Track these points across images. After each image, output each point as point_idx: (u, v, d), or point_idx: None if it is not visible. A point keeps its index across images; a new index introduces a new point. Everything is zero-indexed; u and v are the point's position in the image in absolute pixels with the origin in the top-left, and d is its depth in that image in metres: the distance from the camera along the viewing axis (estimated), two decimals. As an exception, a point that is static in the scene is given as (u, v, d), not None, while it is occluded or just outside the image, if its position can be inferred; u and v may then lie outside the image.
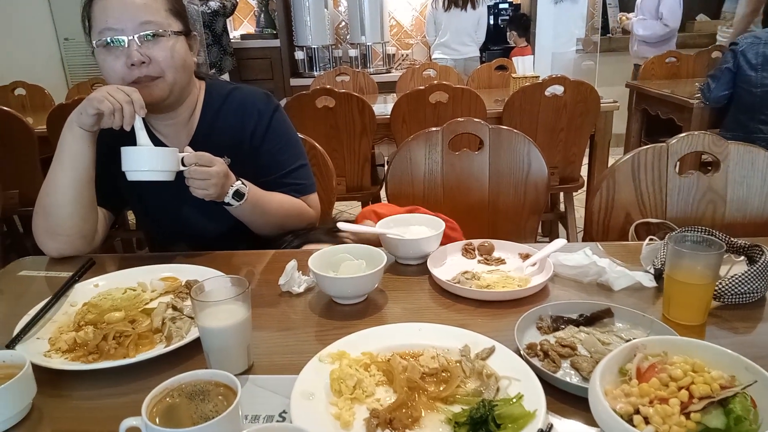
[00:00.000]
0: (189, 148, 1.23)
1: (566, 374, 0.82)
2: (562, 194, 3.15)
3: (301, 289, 1.08)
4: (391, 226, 1.24)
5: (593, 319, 0.94)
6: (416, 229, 1.23)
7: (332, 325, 0.98)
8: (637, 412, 0.65)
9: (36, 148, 2.70)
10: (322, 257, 1.08)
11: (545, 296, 1.05)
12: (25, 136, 2.70)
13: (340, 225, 1.13)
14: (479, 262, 1.18)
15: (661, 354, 0.73)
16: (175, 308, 1.01)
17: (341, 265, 1.06)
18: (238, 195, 1.29)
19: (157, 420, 0.68)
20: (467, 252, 1.21)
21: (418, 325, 0.91)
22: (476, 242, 1.23)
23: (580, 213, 3.36)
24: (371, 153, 3.03)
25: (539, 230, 3.45)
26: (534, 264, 1.12)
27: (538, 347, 0.86)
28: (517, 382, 0.77)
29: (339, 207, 4.06)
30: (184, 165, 1.20)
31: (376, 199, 3.37)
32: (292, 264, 1.08)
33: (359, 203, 3.28)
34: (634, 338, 0.87)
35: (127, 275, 1.13)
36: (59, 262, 1.28)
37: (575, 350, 0.86)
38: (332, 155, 2.86)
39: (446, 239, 1.26)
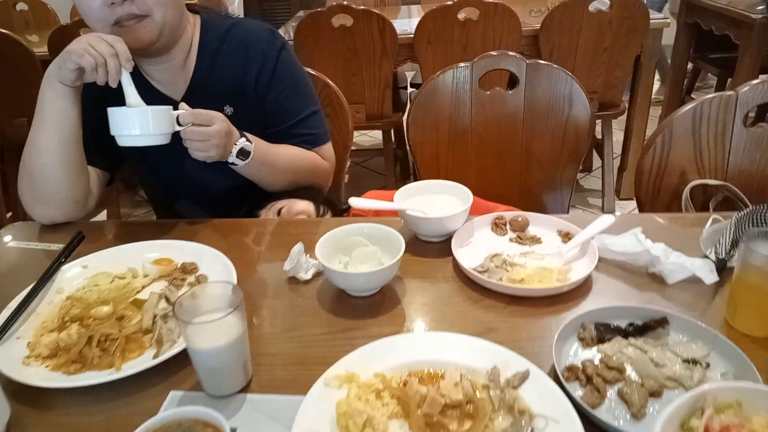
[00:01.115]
0: (185, 105, 1.07)
1: (612, 408, 0.70)
2: (599, 121, 2.91)
3: (309, 276, 0.96)
4: (411, 195, 1.10)
5: (645, 329, 0.80)
6: (440, 199, 1.08)
7: (342, 324, 0.86)
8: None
9: (39, 73, 2.55)
10: (332, 241, 0.95)
11: (587, 289, 0.91)
12: (27, 61, 2.54)
13: (352, 202, 0.99)
14: (511, 240, 1.04)
15: (735, 405, 0.60)
16: (168, 300, 0.90)
17: (353, 252, 0.93)
18: (243, 154, 1.15)
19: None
20: (497, 227, 1.07)
21: (440, 335, 0.79)
22: (508, 215, 1.08)
23: (617, 137, 3.13)
24: (393, 75, 2.80)
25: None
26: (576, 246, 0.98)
27: (580, 370, 0.74)
28: (555, 424, 0.66)
29: (358, 141, 3.86)
30: (179, 124, 1.05)
31: (399, 130, 3.18)
32: (298, 248, 0.95)
33: (379, 133, 3.09)
34: (692, 357, 0.75)
35: (117, 254, 1.02)
36: (51, 229, 1.17)
37: (623, 372, 0.74)
38: (350, 81, 2.69)
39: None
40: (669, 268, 0.90)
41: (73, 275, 0.98)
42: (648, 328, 0.80)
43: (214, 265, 0.98)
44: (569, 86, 1.51)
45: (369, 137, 4.08)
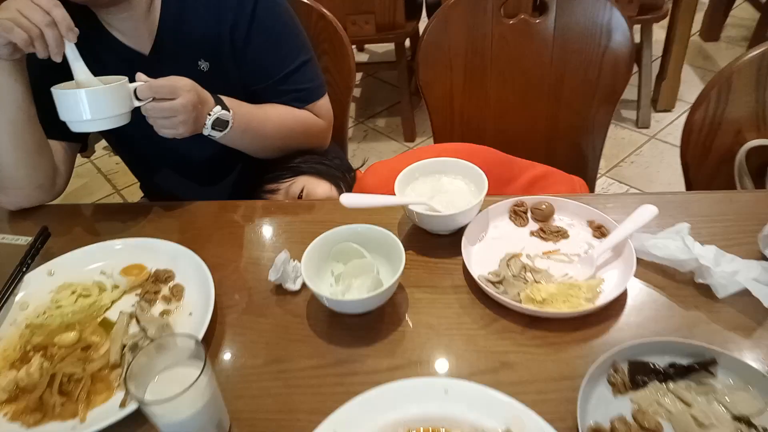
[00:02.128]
0: (142, 76, 0.91)
1: (645, 486, 0.59)
2: (638, 26, 2.59)
3: (298, 286, 0.84)
4: (416, 177, 0.94)
5: (689, 370, 0.68)
6: (450, 184, 0.93)
7: (334, 355, 0.75)
8: None
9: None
10: (321, 249, 0.81)
11: (621, 305, 0.77)
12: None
13: (344, 200, 0.84)
14: (533, 233, 0.89)
15: None
16: (138, 320, 0.80)
17: (347, 266, 0.80)
18: (220, 124, 0.99)
19: None
20: (517, 216, 0.92)
21: (442, 382, 0.67)
22: (529, 201, 0.92)
23: (658, 46, 2.81)
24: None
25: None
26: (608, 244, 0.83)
27: (608, 432, 0.63)
28: None
29: (370, 47, 3.54)
30: (138, 98, 0.90)
31: (414, 40, 2.89)
32: (282, 257, 0.82)
33: (392, 46, 2.81)
34: (744, 414, 0.63)
35: (85, 258, 0.91)
36: (20, 216, 1.06)
37: (660, 432, 0.62)
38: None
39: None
40: (720, 282, 0.76)
41: (38, 287, 0.87)
42: (692, 369, 0.67)
43: (190, 271, 0.86)
44: (608, 13, 1.27)
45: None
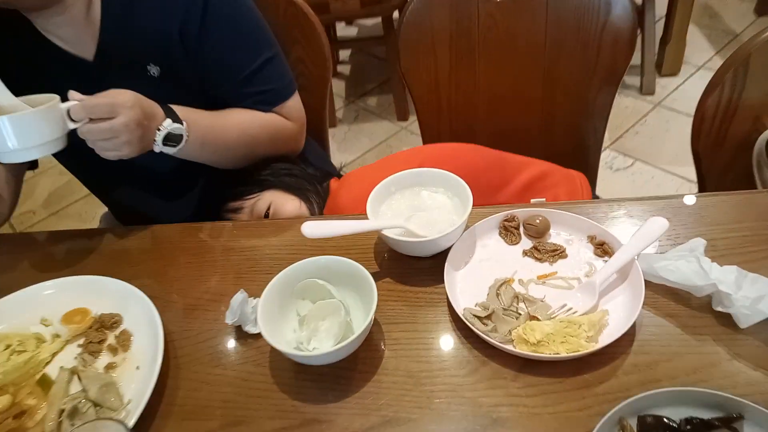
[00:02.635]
0: (76, 94, 0.80)
1: None
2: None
3: (257, 330, 0.74)
4: (392, 192, 0.83)
5: (709, 427, 0.58)
6: (429, 199, 0.82)
7: (302, 413, 0.65)
8: None
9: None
10: (282, 288, 0.71)
11: (629, 341, 0.67)
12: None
13: (306, 230, 0.73)
14: (526, 253, 0.78)
15: None
16: (79, 378, 0.71)
17: (313, 308, 0.70)
18: (173, 139, 0.88)
19: None
20: (508, 233, 0.81)
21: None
22: (521, 215, 0.81)
23: (661, 5, 2.64)
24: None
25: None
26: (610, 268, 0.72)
27: None
28: None
29: (348, 32, 3.35)
30: (73, 120, 0.79)
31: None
32: (239, 299, 0.72)
33: (378, 21, 2.66)
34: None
35: (23, 303, 0.80)
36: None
37: (677, 507, 0.53)
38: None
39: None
40: (741, 311, 0.65)
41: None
42: (713, 426, 0.57)
43: (139, 314, 0.77)
44: (607, -17, 1.13)
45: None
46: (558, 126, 1.31)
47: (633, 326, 0.67)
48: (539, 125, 1.31)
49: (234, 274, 0.84)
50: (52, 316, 0.78)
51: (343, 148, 2.54)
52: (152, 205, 1.12)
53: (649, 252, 0.72)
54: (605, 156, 2.28)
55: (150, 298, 0.77)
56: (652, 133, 2.36)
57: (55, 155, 1.04)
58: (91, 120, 0.79)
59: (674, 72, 2.66)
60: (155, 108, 0.86)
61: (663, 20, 2.60)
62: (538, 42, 1.21)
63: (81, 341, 0.76)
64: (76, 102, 0.78)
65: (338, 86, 2.95)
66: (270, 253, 0.86)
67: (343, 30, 3.28)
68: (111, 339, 0.76)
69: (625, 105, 2.52)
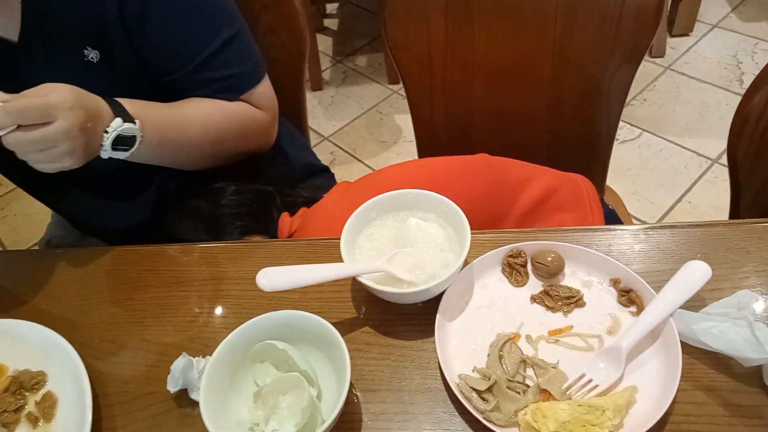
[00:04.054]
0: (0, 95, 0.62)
1: None
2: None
3: (208, 397, 0.60)
4: (372, 218, 0.68)
5: None
6: (418, 229, 0.67)
7: None
8: None
9: None
10: (233, 352, 0.57)
11: (660, 425, 0.54)
12: None
13: (261, 281, 0.58)
14: (535, 299, 0.64)
15: None
16: (-11, 461, 0.58)
17: (270, 383, 0.56)
18: (125, 142, 0.72)
19: None
20: (513, 270, 0.66)
21: None
22: (529, 250, 0.67)
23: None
24: None
25: None
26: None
27: None
28: None
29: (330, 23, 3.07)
30: None
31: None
32: (180, 364, 0.59)
33: (367, 13, 2.41)
34: None
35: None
36: None
37: None
38: None
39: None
40: (805, 391, 0.52)
41: None
42: None
43: (65, 372, 0.63)
44: (632, -56, 0.95)
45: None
46: (566, 109, 1.14)
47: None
48: (545, 108, 1.15)
49: (181, 316, 0.70)
50: (-41, 375, 0.64)
51: (330, 113, 2.36)
52: (99, 212, 0.96)
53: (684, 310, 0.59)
54: (610, 124, 2.11)
55: (78, 350, 0.64)
56: (661, 101, 2.18)
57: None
58: (20, 127, 0.62)
59: (687, 31, 2.46)
60: (100, 104, 0.70)
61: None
62: (547, 12, 1.04)
63: (-8, 410, 0.63)
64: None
65: (325, 43, 2.73)
66: (227, 289, 0.72)
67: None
68: (31, 405, 0.62)
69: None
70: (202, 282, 0.73)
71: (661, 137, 2.04)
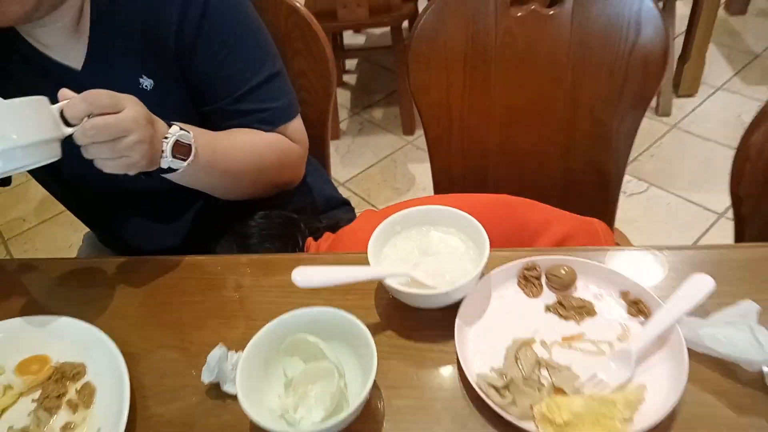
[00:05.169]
0: (67, 92, 0.67)
1: None
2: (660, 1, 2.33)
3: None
4: (397, 231, 0.74)
5: None
6: (440, 242, 0.72)
7: (283, 497, 0.56)
8: None
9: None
10: (266, 345, 0.62)
11: (667, 424, 0.57)
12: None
13: (296, 278, 0.63)
14: (549, 309, 0.69)
15: None
16: (33, 441, 0.61)
17: (301, 371, 0.60)
18: (182, 151, 0.76)
19: None
20: (528, 283, 0.71)
21: None
22: (544, 263, 0.71)
23: (680, 22, 2.55)
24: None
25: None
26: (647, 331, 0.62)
27: None
28: None
29: (356, 40, 3.27)
30: (67, 123, 0.66)
31: (413, 21, 2.63)
32: (217, 354, 0.63)
33: (387, 30, 2.57)
34: None
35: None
36: None
37: None
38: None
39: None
40: (808, 394, 0.55)
41: None
42: None
43: (104, 364, 0.67)
44: (637, 2, 1.04)
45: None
46: (578, 152, 1.21)
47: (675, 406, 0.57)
48: (558, 151, 1.22)
49: (216, 318, 0.74)
50: (4, 363, 0.68)
51: (347, 161, 2.45)
52: (134, 230, 1.02)
53: (690, 315, 0.62)
54: (619, 178, 2.18)
55: (119, 345, 0.68)
56: (668, 157, 2.26)
57: (37, 173, 0.93)
58: (90, 116, 0.65)
59: (692, 93, 2.56)
60: (154, 116, 0.75)
61: (681, 36, 2.51)
62: (560, 61, 1.12)
63: (37, 395, 0.66)
64: (70, 98, 0.65)
65: (343, 96, 2.86)
66: (258, 296, 0.77)
67: (350, 38, 3.19)
68: (72, 393, 0.66)
69: (640, 126, 2.42)
70: (235, 289, 0.78)
71: (668, 191, 2.10)
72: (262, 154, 0.92)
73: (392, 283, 0.65)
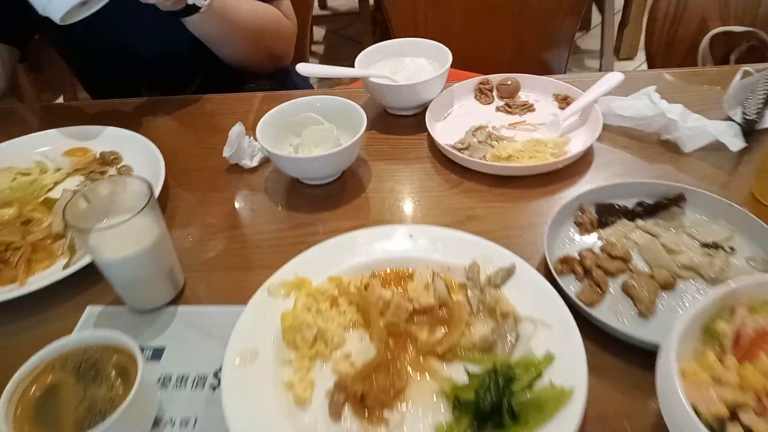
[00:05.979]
0: None
1: (614, 306, 0.57)
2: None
3: (255, 162, 0.80)
4: (377, 59, 0.91)
5: (657, 208, 0.66)
6: (413, 63, 0.90)
7: (295, 220, 0.72)
8: (735, 416, 0.42)
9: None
10: (278, 120, 0.77)
11: (588, 164, 0.76)
12: None
13: (300, 68, 0.80)
14: (499, 109, 0.87)
15: (773, 304, 0.48)
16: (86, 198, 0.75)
17: (304, 132, 0.77)
18: None
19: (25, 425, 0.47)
20: (482, 94, 0.89)
21: (408, 228, 0.65)
22: (495, 79, 0.90)
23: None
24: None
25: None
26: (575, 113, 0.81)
27: (577, 262, 0.61)
28: (546, 328, 0.54)
29: (332, 5, 3.48)
30: None
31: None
32: (237, 130, 0.78)
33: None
34: (713, 241, 0.61)
35: (23, 145, 0.85)
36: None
37: (629, 262, 0.61)
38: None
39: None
40: (687, 134, 0.75)
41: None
42: (660, 207, 0.66)
43: (139, 153, 0.82)
44: None
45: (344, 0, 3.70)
46: (526, 51, 1.41)
47: (592, 152, 0.76)
48: (509, 50, 1.41)
49: (226, 127, 0.89)
50: (54, 152, 0.82)
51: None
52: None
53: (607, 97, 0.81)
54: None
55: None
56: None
57: (58, 37, 1.06)
58: None
59: (631, 56, 2.83)
60: None
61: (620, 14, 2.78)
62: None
63: (82, 176, 0.80)
64: None
65: (313, 64, 3.02)
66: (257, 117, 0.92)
67: (317, 12, 3.38)
68: (112, 171, 0.80)
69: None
70: (241, 111, 0.93)
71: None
72: (262, 17, 1.03)
73: (376, 80, 0.82)
